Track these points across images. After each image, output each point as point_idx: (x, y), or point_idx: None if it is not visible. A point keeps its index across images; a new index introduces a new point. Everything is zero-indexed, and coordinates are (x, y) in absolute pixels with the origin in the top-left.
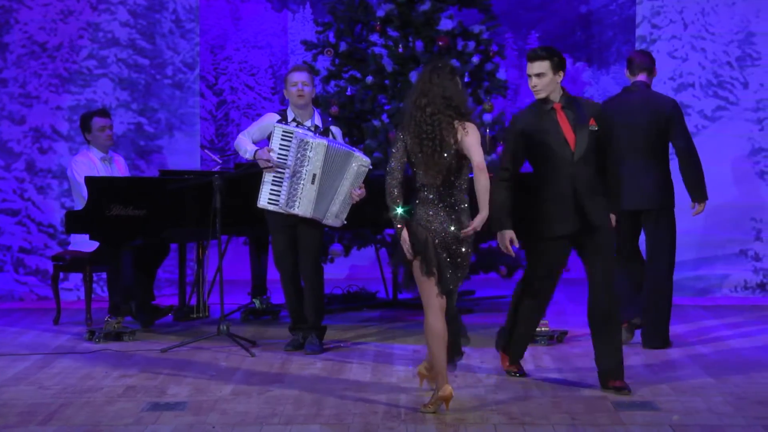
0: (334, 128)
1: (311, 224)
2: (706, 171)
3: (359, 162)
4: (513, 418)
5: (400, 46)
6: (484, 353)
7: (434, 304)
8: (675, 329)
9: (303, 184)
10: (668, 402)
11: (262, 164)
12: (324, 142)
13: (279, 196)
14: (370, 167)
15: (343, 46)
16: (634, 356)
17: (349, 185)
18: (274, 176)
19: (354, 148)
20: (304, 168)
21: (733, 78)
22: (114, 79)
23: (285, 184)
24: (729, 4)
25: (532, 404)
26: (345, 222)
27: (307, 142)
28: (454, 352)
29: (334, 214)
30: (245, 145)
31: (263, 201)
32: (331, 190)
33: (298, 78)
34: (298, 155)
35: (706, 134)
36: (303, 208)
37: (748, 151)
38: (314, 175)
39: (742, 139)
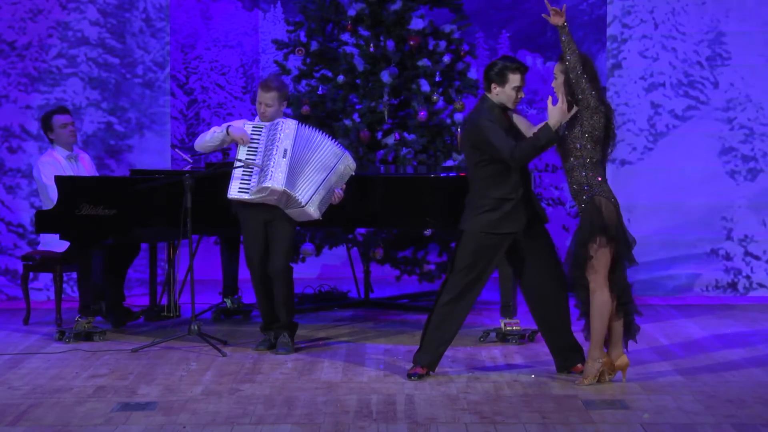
0: None
1: (284, 222)
2: (677, 170)
3: (346, 163)
4: (484, 417)
5: (372, 45)
6: (456, 352)
7: (607, 279)
8: (645, 328)
9: (275, 159)
10: (638, 401)
11: (237, 136)
12: (294, 121)
13: (249, 184)
14: (354, 173)
15: (314, 46)
16: None
17: (335, 181)
18: (243, 171)
19: (345, 149)
20: (275, 146)
21: (703, 77)
22: (84, 78)
23: (254, 177)
24: (699, 3)
25: (503, 403)
26: (320, 218)
27: (277, 123)
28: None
29: (316, 203)
30: (212, 130)
31: (233, 192)
32: (306, 169)
33: (262, 99)
34: (269, 139)
35: (676, 133)
36: (275, 180)
37: (718, 150)
38: (285, 150)
39: (712, 139)
